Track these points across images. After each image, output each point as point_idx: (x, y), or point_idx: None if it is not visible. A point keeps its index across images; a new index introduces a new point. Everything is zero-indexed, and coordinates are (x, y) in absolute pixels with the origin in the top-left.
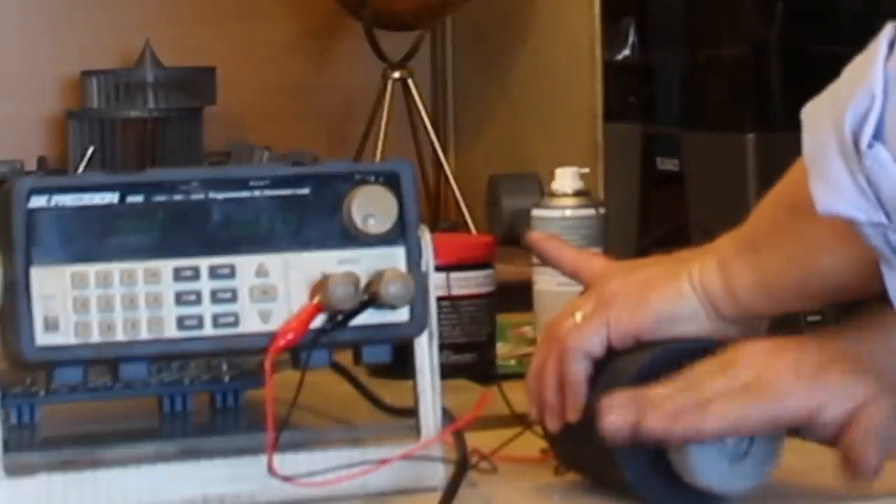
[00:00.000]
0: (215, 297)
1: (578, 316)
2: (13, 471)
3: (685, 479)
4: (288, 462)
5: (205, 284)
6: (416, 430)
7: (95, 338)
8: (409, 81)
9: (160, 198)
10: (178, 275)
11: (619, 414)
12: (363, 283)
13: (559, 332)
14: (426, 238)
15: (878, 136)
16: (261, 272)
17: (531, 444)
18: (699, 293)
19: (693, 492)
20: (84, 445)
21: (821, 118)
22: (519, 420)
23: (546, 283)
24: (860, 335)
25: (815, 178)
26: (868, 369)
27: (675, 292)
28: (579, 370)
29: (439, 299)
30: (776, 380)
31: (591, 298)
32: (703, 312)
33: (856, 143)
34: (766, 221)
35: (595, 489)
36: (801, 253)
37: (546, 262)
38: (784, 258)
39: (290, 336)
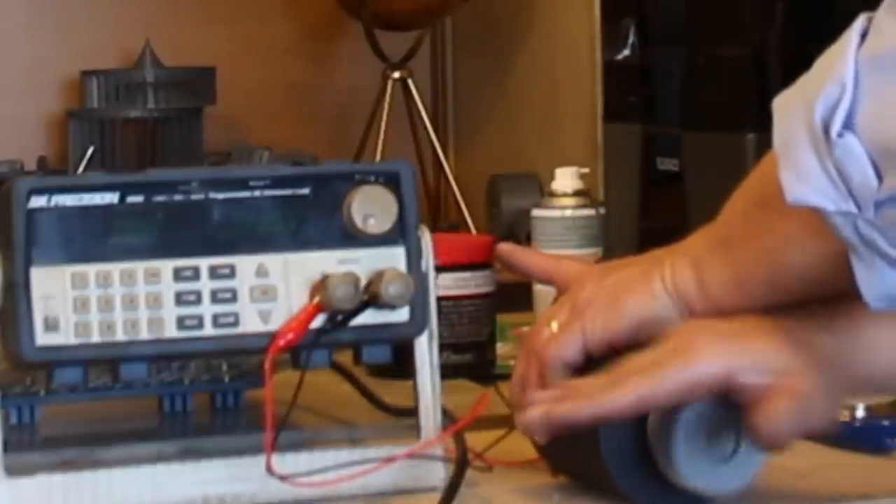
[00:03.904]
0: (215, 297)
1: (554, 325)
2: (13, 471)
3: (672, 480)
4: (288, 462)
5: (205, 284)
6: (416, 430)
7: (95, 338)
8: (409, 81)
9: (160, 198)
10: (178, 275)
11: (538, 407)
12: (363, 283)
13: (536, 344)
14: (426, 238)
15: (848, 125)
16: (261, 272)
17: (531, 443)
18: (671, 293)
19: (682, 494)
20: (84, 445)
21: (791, 108)
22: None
23: None
24: (812, 320)
25: (785, 168)
26: (800, 342)
27: (647, 295)
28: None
29: (439, 299)
30: (690, 346)
31: (565, 306)
32: (677, 313)
33: (826, 132)
34: (737, 216)
35: (594, 489)
36: (770, 246)
37: (517, 273)
38: (754, 252)
39: (290, 336)
